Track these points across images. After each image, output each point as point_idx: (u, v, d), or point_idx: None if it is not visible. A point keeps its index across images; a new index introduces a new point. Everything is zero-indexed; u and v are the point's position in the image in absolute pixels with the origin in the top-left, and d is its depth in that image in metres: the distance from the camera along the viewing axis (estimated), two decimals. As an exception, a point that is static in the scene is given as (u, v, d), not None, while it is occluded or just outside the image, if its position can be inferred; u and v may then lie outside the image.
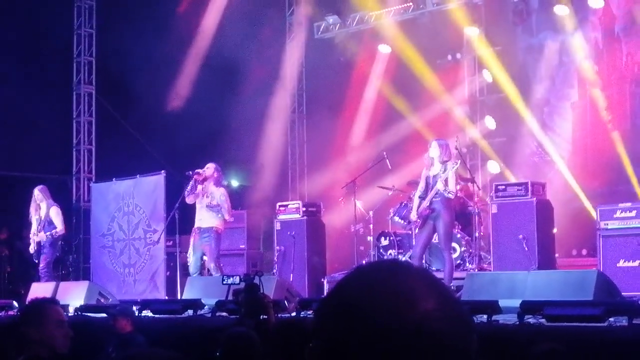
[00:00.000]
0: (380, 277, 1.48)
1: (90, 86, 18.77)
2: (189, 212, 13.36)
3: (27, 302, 5.39)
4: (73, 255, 18.12)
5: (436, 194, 11.06)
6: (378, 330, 1.41)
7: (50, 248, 13.99)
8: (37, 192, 14.09)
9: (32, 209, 14.13)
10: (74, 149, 18.72)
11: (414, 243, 12.93)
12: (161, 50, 17.55)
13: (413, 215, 11.52)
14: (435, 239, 11.67)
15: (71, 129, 18.72)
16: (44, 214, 14.00)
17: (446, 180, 11.03)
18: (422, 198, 11.29)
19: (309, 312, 9.98)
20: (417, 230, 11.91)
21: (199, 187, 13.05)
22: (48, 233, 13.86)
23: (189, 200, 13.10)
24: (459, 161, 11.46)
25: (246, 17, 17.67)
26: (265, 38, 18.26)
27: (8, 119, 16.68)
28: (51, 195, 14.25)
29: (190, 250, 13.18)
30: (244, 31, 17.41)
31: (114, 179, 15.68)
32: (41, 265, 14.00)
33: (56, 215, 13.99)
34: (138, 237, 14.89)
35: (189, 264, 13.22)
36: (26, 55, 17.13)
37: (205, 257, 13.03)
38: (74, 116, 18.75)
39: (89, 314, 11.65)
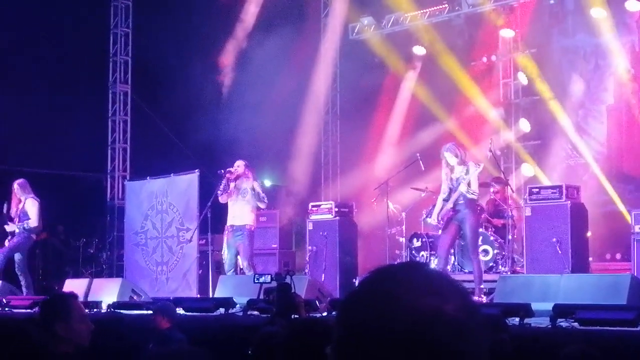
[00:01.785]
0: (400, 278, 1.51)
1: (126, 85, 18.91)
2: (221, 211, 13.42)
3: (48, 298, 5.30)
4: (107, 252, 18.28)
5: (459, 195, 11.05)
6: (399, 330, 1.44)
7: (24, 241, 13.70)
8: (17, 187, 13.79)
9: (12, 204, 13.87)
10: (109, 148, 18.86)
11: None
12: (196, 50, 17.64)
13: (433, 219, 11.51)
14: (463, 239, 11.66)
15: (106, 127, 18.87)
16: (22, 207, 13.75)
17: (469, 182, 11.03)
18: (445, 200, 11.28)
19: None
20: (440, 232, 11.90)
21: (232, 185, 13.11)
22: (20, 224, 13.62)
23: (222, 199, 13.17)
24: (482, 165, 11.39)
25: (281, 18, 17.72)
26: (300, 38, 18.27)
27: (44, 117, 16.83)
28: (32, 190, 13.91)
29: (225, 249, 13.25)
30: (280, 31, 17.43)
31: (148, 178, 15.76)
32: (16, 264, 13.67)
33: (31, 207, 13.68)
34: (171, 236, 14.96)
35: (224, 262, 13.30)
36: (62, 55, 17.27)
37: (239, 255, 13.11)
38: (110, 115, 18.89)
39: (121, 311, 11.72)
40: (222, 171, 13.19)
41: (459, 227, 11.20)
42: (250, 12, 18.48)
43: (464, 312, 1.48)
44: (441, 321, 1.45)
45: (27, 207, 13.71)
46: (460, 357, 1.45)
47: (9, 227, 13.76)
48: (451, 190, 11.22)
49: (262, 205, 13.30)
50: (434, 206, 14.14)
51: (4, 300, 12.65)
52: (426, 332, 1.44)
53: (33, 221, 13.68)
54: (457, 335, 1.45)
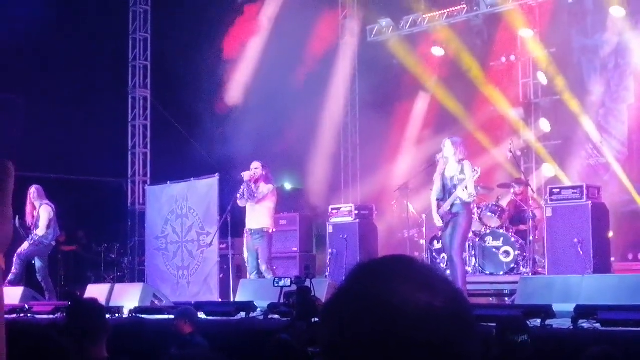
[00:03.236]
0: (388, 274, 1.44)
1: (146, 90, 18.96)
2: (241, 214, 13.44)
3: (75, 303, 5.34)
4: (128, 257, 18.33)
5: (456, 198, 10.84)
6: (392, 331, 1.37)
7: (40, 248, 13.68)
8: (34, 191, 13.71)
9: (27, 211, 13.74)
10: (130, 152, 18.92)
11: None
12: (215, 54, 17.68)
13: (437, 221, 11.20)
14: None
15: (126, 132, 18.93)
16: (37, 214, 13.68)
17: (466, 187, 10.81)
18: (439, 200, 11.09)
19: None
20: (440, 234, 11.83)
21: (252, 186, 13.13)
22: (30, 238, 13.57)
23: (241, 203, 13.19)
24: (479, 169, 11.12)
25: (299, 21, 17.73)
26: (318, 41, 18.28)
27: (64, 123, 16.89)
28: (46, 196, 13.86)
29: (245, 252, 13.30)
30: (298, 34, 17.44)
31: (168, 182, 15.80)
32: (37, 270, 13.69)
33: (43, 213, 13.61)
34: (191, 240, 14.99)
35: (247, 265, 13.35)
36: (82, 60, 17.34)
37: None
38: (130, 120, 18.95)
39: (143, 316, 11.75)
40: (243, 175, 13.21)
41: (453, 228, 11.02)
42: (268, 15, 18.49)
43: (458, 307, 1.42)
44: (436, 318, 1.38)
45: (41, 214, 13.68)
46: (458, 357, 1.39)
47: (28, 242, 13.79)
48: (444, 187, 11.02)
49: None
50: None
51: (26, 306, 12.70)
52: (421, 330, 1.37)
53: (41, 229, 13.64)
54: (453, 332, 1.39)
